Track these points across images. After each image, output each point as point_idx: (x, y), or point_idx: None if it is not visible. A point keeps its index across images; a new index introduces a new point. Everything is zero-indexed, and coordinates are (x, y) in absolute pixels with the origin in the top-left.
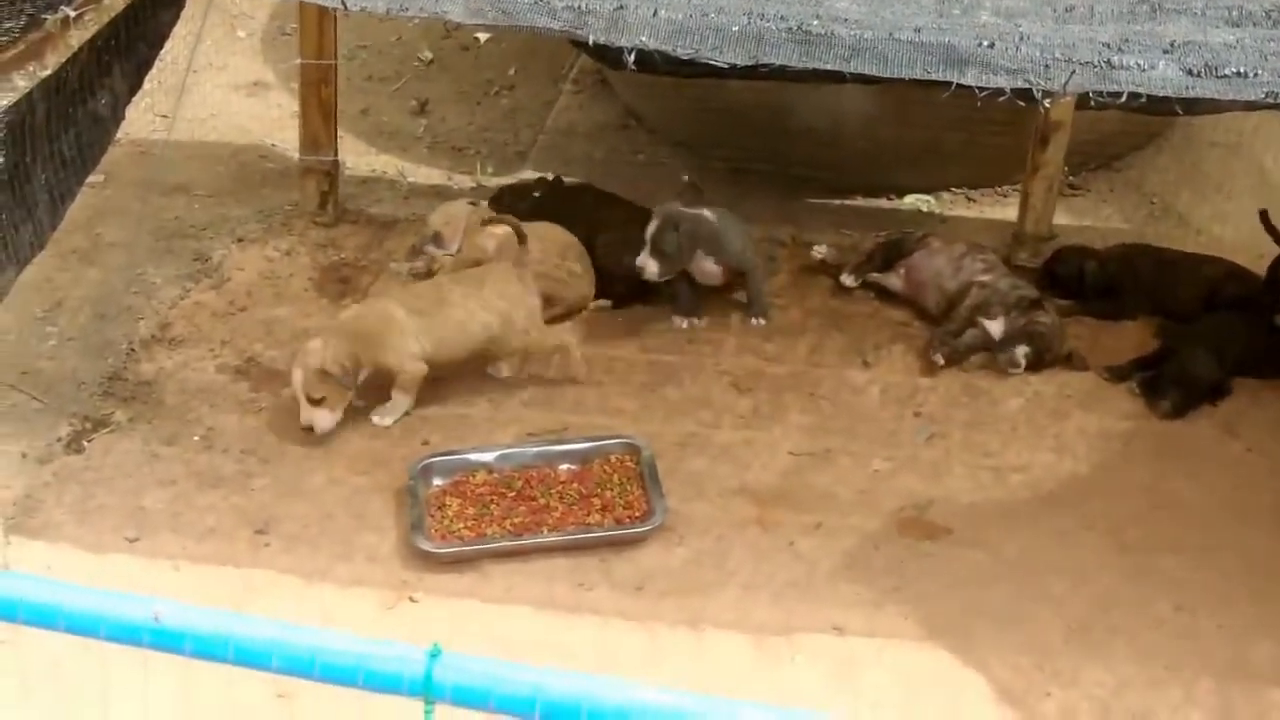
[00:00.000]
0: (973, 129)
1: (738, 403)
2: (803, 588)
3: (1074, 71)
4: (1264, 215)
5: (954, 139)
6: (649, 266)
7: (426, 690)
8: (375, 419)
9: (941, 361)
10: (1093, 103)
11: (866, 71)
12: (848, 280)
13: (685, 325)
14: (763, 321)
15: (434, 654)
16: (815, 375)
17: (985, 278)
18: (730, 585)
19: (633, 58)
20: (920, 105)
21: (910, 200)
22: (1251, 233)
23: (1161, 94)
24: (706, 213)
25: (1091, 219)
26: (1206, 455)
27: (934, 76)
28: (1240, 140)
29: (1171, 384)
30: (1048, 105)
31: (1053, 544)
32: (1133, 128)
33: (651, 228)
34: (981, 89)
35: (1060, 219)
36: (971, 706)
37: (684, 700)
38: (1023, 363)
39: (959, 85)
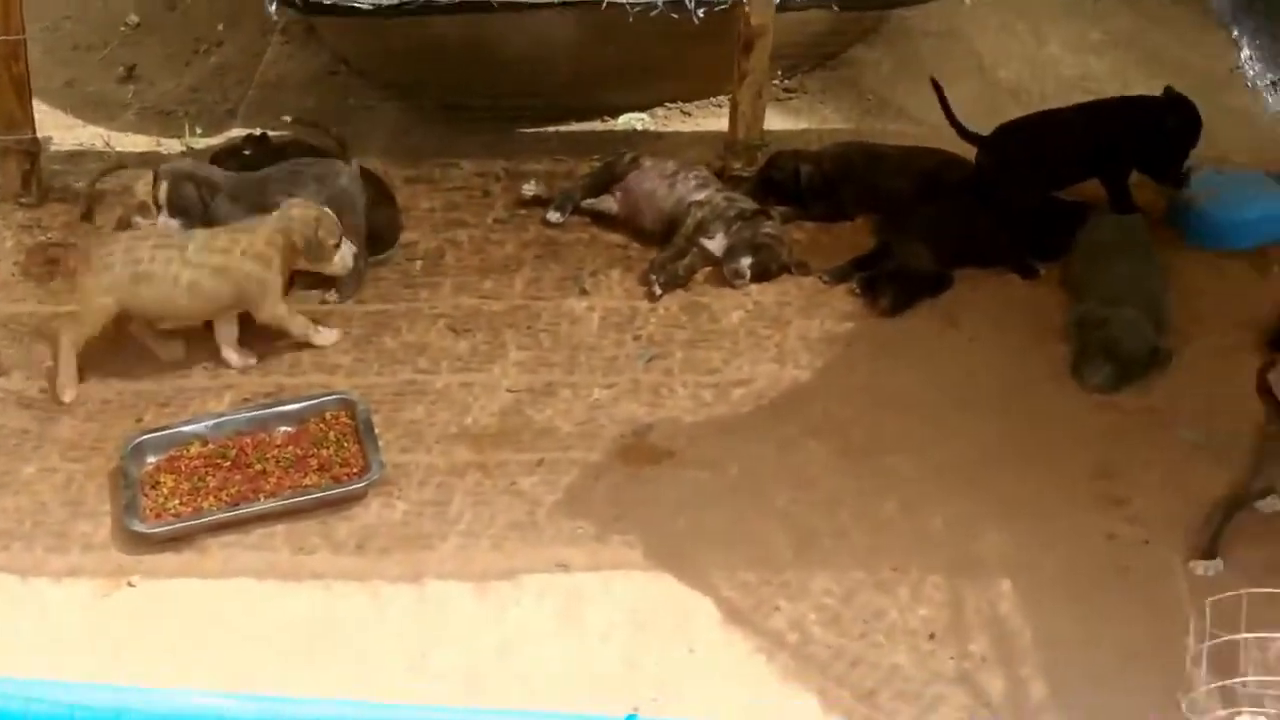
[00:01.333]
0: (680, 42)
1: (456, 345)
2: (525, 528)
3: None
4: (935, 85)
5: (662, 54)
6: (171, 226)
7: None
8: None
9: (659, 292)
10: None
11: None
12: (554, 217)
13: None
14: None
15: None
16: (534, 309)
17: (700, 195)
18: (452, 534)
19: None
20: (625, 23)
21: (625, 120)
22: (968, 119)
23: None
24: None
25: (809, 121)
26: (929, 349)
27: None
28: (955, 27)
29: (889, 281)
30: (700, 15)
31: (776, 455)
32: (844, 26)
33: (162, 189)
34: (633, 4)
35: (778, 124)
36: (700, 630)
37: None
38: (748, 273)
39: (610, 4)
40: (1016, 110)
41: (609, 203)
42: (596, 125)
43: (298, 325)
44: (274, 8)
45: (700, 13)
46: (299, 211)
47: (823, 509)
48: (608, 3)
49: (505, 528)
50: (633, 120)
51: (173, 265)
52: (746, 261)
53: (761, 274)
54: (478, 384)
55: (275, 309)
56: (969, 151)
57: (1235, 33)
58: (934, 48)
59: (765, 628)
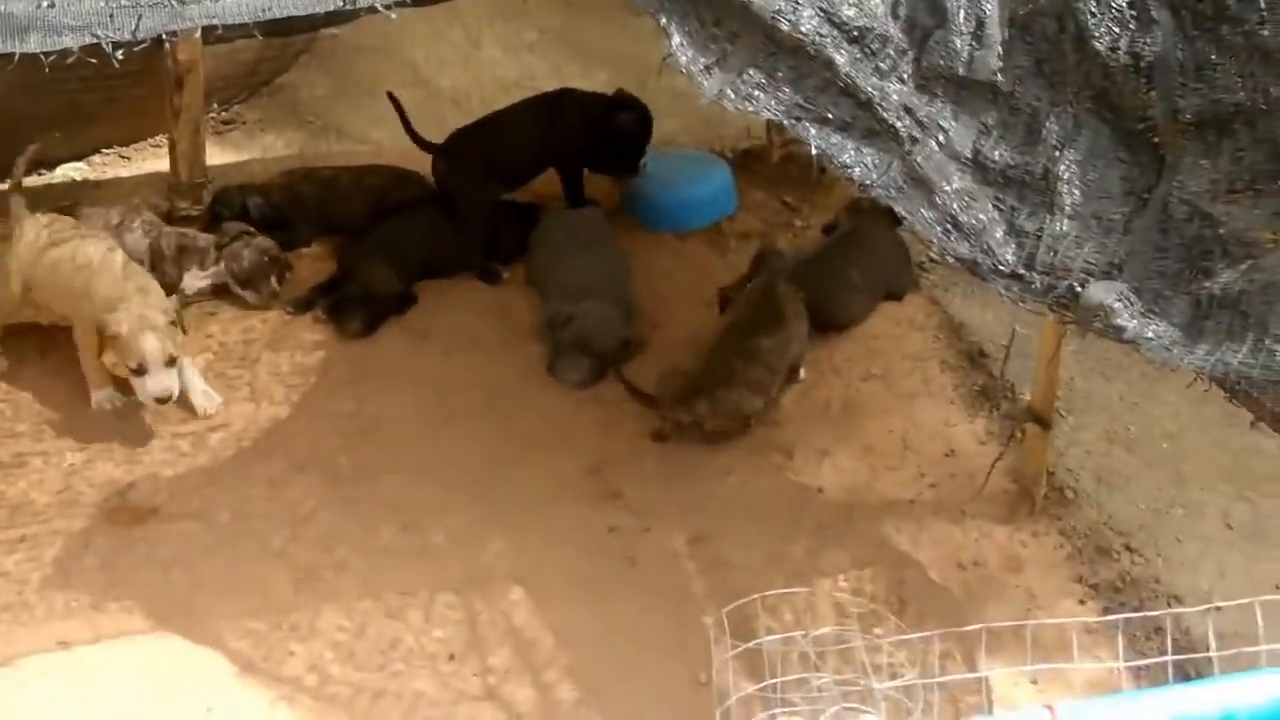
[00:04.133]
0: (111, 84)
1: None
2: (17, 610)
3: (141, 16)
4: (402, 116)
5: (94, 99)
6: None
7: None
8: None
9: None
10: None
11: None
12: None
13: None
14: None
15: None
16: None
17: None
18: None
19: None
20: (50, 70)
21: (62, 171)
22: None
23: (236, 21)
24: None
25: (252, 151)
26: (404, 367)
27: None
28: (388, 42)
29: (355, 303)
30: (120, 57)
31: (265, 496)
32: (274, 51)
33: None
34: (47, 54)
35: (221, 158)
36: (215, 687)
37: None
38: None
39: (23, 55)
40: (460, 117)
41: None
42: (33, 180)
43: None
44: None
45: (120, 55)
46: None
47: (320, 544)
48: (19, 55)
49: None
50: (70, 171)
51: None
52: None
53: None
54: None
55: None
56: (418, 164)
57: (663, 20)
58: (369, 63)
59: (282, 674)
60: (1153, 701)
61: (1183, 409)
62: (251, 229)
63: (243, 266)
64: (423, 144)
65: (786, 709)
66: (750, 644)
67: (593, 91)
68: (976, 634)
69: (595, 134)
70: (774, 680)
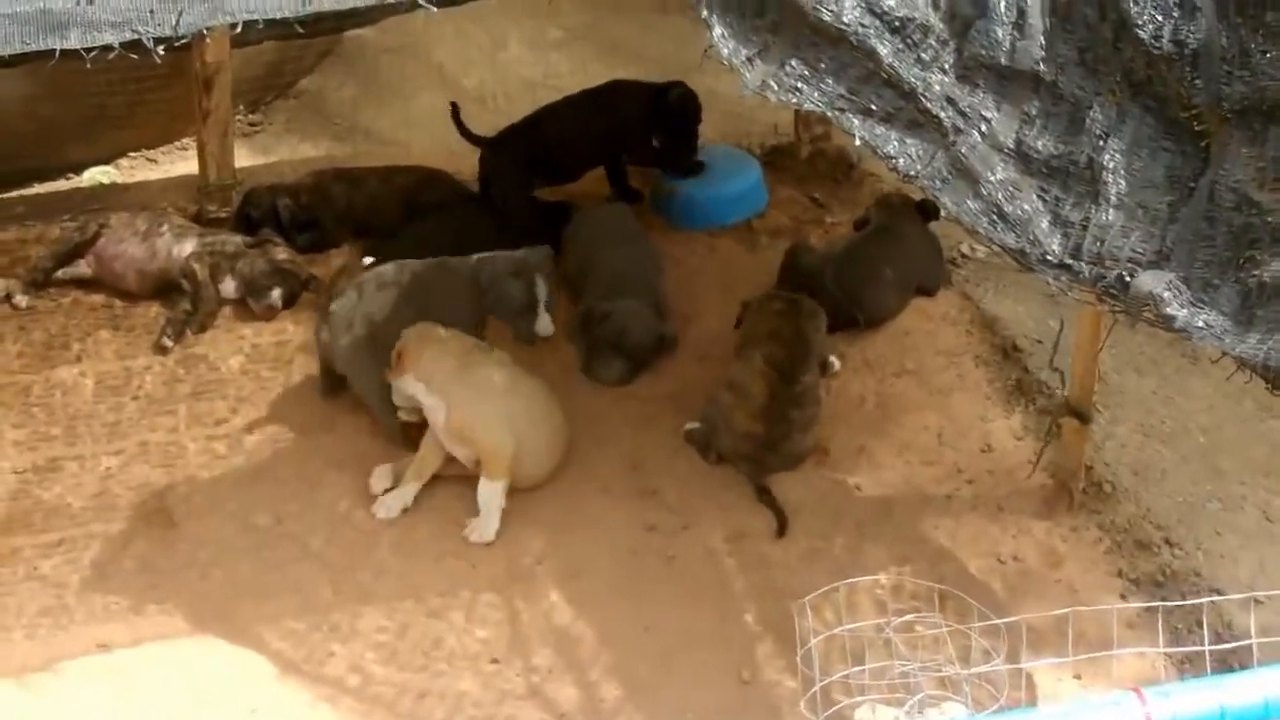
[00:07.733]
0: (138, 88)
1: None
2: (57, 613)
3: (182, 11)
4: (454, 112)
5: (120, 102)
6: None
7: None
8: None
9: (171, 344)
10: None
11: None
12: (21, 302)
13: None
14: None
15: None
16: (23, 382)
17: (189, 246)
18: None
19: None
20: (78, 74)
21: (90, 175)
22: (436, 130)
23: (277, 15)
24: None
25: (279, 153)
26: None
27: (36, 47)
28: (412, 42)
29: None
30: (162, 53)
31: (302, 496)
32: (299, 53)
33: None
34: (88, 50)
35: (247, 160)
36: (258, 688)
37: None
38: (280, 304)
39: (64, 52)
40: (485, 116)
41: (82, 269)
42: (61, 184)
43: None
44: None
45: (161, 50)
46: None
47: (358, 544)
48: (61, 52)
49: (35, 616)
50: (99, 174)
51: None
52: (277, 293)
53: (291, 299)
54: None
55: None
56: (447, 164)
57: (704, 11)
58: (393, 64)
59: (324, 675)
60: (1242, 683)
61: (1217, 402)
62: (278, 239)
63: (248, 274)
64: (472, 138)
65: (871, 696)
66: (835, 630)
67: (641, 81)
68: (1016, 628)
69: (650, 120)
70: (859, 668)
